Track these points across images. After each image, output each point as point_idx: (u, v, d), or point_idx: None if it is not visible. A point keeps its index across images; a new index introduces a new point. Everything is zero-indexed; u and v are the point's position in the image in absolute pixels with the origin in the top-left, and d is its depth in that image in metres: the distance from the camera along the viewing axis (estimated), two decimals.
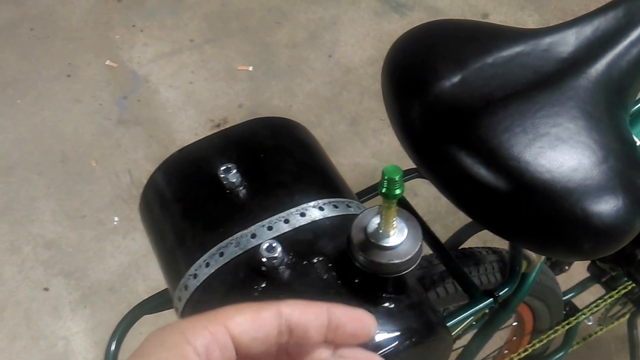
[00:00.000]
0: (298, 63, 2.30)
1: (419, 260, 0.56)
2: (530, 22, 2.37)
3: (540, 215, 0.61)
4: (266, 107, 2.19)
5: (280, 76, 2.27)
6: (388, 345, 0.55)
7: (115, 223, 1.98)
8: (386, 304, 0.57)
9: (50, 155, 2.13)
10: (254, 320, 0.37)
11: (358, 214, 0.56)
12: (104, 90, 2.27)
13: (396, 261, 0.54)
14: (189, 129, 2.16)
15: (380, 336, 0.55)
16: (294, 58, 2.31)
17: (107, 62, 2.33)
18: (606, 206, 0.59)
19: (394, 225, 0.54)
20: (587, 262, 1.28)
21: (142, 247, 1.92)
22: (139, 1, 2.50)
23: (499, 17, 2.38)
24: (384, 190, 0.49)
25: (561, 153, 0.60)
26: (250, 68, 2.30)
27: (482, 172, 0.62)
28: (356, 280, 0.57)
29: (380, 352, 0.55)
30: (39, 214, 2.01)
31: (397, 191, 0.49)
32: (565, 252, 0.65)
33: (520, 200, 0.61)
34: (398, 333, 0.56)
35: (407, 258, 0.54)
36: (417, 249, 0.55)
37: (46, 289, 1.86)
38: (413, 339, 0.56)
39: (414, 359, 0.59)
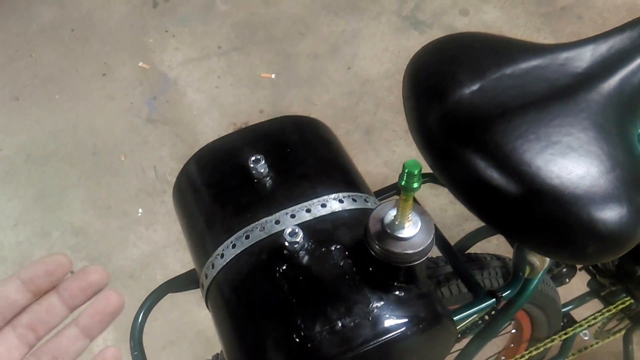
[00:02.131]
0: (318, 73, 2.31)
1: (429, 252, 0.56)
2: None
3: (548, 219, 0.61)
4: (285, 114, 2.20)
5: (301, 85, 2.28)
6: (396, 330, 0.55)
7: (139, 215, 2.00)
8: (397, 292, 0.57)
9: (82, 148, 2.15)
10: None
11: (374, 208, 0.57)
12: (135, 89, 2.29)
13: (409, 251, 0.54)
14: (212, 130, 2.17)
15: (390, 321, 0.56)
16: (315, 68, 2.32)
17: (140, 64, 2.35)
18: (611, 213, 0.59)
19: (409, 218, 0.55)
20: (587, 278, 1.27)
21: (162, 239, 1.93)
22: (172, 8, 2.52)
23: None
24: (403, 183, 0.50)
25: (571, 161, 0.60)
26: (273, 76, 2.31)
27: (495, 175, 0.62)
28: (370, 269, 0.58)
29: (389, 335, 0.55)
30: (69, 202, 2.03)
31: (415, 184, 0.50)
32: (570, 255, 0.65)
33: (529, 203, 0.61)
34: (406, 320, 0.56)
35: (420, 249, 0.55)
36: (429, 241, 0.55)
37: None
38: (420, 326, 0.57)
39: (420, 345, 0.59)
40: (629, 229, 0.60)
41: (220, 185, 0.65)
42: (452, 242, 1.17)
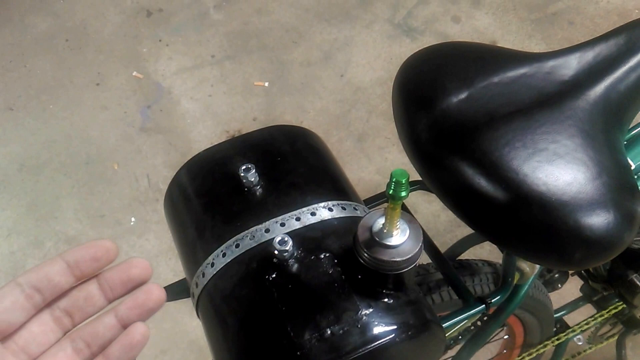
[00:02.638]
0: (311, 81, 2.32)
1: (418, 260, 0.57)
2: (536, 50, 2.36)
3: (535, 225, 0.61)
4: (278, 122, 2.21)
5: (294, 93, 2.29)
6: (385, 337, 0.56)
7: (132, 223, 1.99)
8: (385, 300, 0.58)
9: (76, 157, 2.15)
10: None
11: (364, 216, 0.57)
12: (129, 99, 2.29)
13: (397, 259, 0.55)
14: (205, 138, 2.17)
15: (378, 328, 0.56)
16: (308, 76, 2.33)
17: (134, 74, 2.36)
18: (597, 219, 0.60)
19: (398, 226, 0.55)
20: (580, 283, 1.28)
21: (155, 248, 1.93)
22: (166, 18, 2.53)
23: (507, 44, 2.39)
24: (390, 191, 0.50)
25: (558, 167, 0.61)
26: (266, 84, 2.32)
27: (482, 182, 0.63)
28: (359, 276, 0.58)
29: (377, 343, 0.55)
30: (62, 212, 2.02)
31: (403, 193, 0.50)
32: (557, 262, 0.65)
33: (517, 210, 0.61)
34: (395, 327, 0.57)
35: (408, 257, 0.55)
36: (417, 249, 0.55)
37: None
38: (409, 333, 0.57)
39: (409, 352, 0.59)
40: (616, 234, 0.60)
41: (211, 194, 0.66)
42: (445, 249, 1.18)
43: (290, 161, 0.69)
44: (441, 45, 0.75)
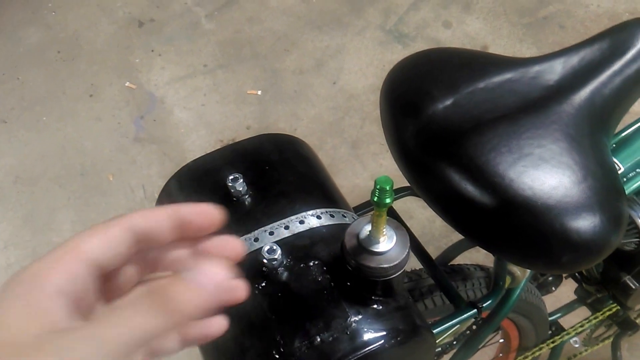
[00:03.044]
0: (304, 89, 2.32)
1: (405, 266, 0.57)
2: (528, 54, 2.37)
3: (522, 230, 0.62)
4: (272, 130, 2.21)
5: (287, 101, 2.29)
6: (375, 343, 0.56)
7: None
8: (375, 306, 0.58)
9: (71, 169, 2.15)
10: (103, 240, 0.36)
11: (351, 224, 0.58)
12: (123, 109, 2.29)
13: (384, 265, 0.55)
14: (199, 148, 2.18)
15: (368, 335, 0.56)
16: (301, 84, 2.34)
17: (127, 84, 2.36)
18: (584, 222, 0.60)
19: (384, 233, 0.56)
20: (575, 285, 1.28)
21: None
22: (158, 28, 2.53)
23: (498, 49, 2.40)
24: (375, 198, 0.51)
25: (543, 172, 0.61)
26: (259, 92, 2.32)
27: (469, 188, 0.63)
28: (348, 283, 0.58)
29: (367, 349, 0.56)
30: (59, 223, 2.02)
31: (388, 200, 0.51)
32: (545, 265, 0.66)
33: (504, 215, 0.62)
34: (384, 332, 0.57)
35: (395, 263, 0.55)
36: (404, 255, 0.56)
37: None
38: (398, 338, 0.57)
39: (399, 357, 0.60)
40: (603, 237, 0.61)
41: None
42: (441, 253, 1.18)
43: (279, 170, 0.69)
44: (426, 52, 0.76)
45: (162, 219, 0.38)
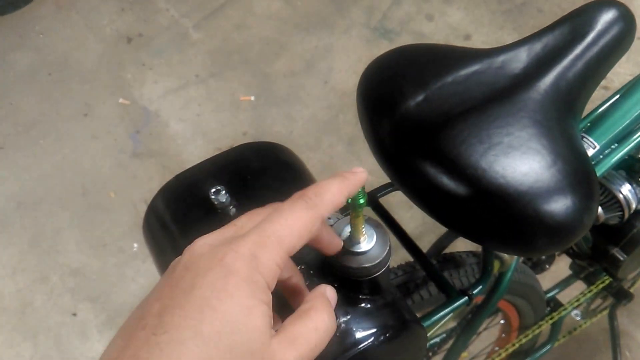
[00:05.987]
0: (296, 90, 2.34)
1: (388, 264, 0.58)
2: (509, 40, 2.36)
3: (497, 217, 0.63)
4: (269, 134, 2.23)
5: (281, 104, 2.31)
6: (365, 342, 0.57)
7: (134, 249, 2.02)
8: (362, 305, 0.59)
9: (71, 189, 2.17)
10: (301, 237, 0.47)
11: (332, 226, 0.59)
12: (118, 126, 2.32)
13: (366, 265, 0.57)
14: (198, 158, 2.18)
15: (358, 334, 0.58)
16: (293, 86, 2.35)
17: (120, 100, 2.38)
18: (556, 205, 0.61)
19: (364, 233, 0.57)
20: (570, 261, 1.30)
21: None
22: (146, 42, 2.55)
23: (481, 37, 2.42)
24: (349, 200, 0.52)
25: (513, 159, 0.62)
26: (252, 98, 2.34)
27: (445, 181, 0.65)
28: (335, 285, 0.60)
29: (358, 348, 0.57)
30: (64, 245, 2.05)
31: (361, 201, 0.52)
32: (522, 249, 0.67)
33: (479, 204, 0.63)
34: (374, 330, 0.58)
35: (377, 262, 0.57)
36: (385, 253, 0.57)
37: (74, 314, 1.89)
38: (388, 335, 0.59)
39: (391, 353, 0.61)
40: (575, 217, 0.62)
41: (186, 219, 0.68)
42: None
43: (261, 178, 0.70)
44: (395, 51, 0.77)
45: (340, 197, 0.50)
